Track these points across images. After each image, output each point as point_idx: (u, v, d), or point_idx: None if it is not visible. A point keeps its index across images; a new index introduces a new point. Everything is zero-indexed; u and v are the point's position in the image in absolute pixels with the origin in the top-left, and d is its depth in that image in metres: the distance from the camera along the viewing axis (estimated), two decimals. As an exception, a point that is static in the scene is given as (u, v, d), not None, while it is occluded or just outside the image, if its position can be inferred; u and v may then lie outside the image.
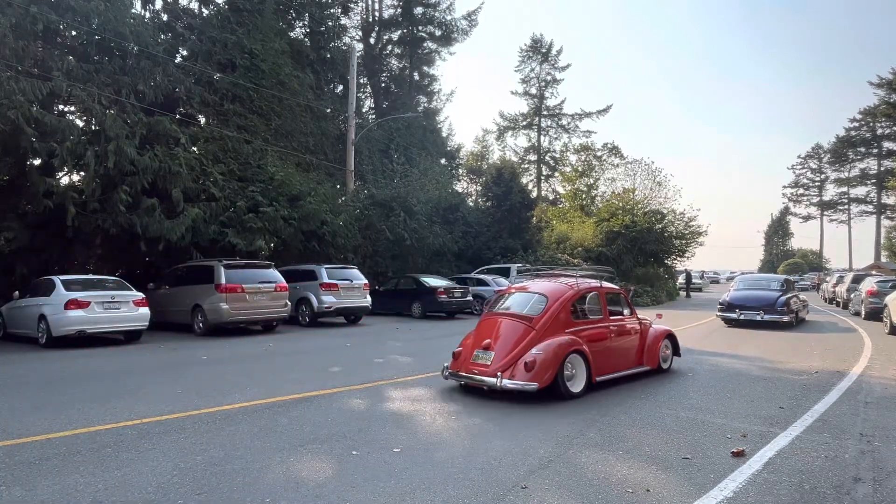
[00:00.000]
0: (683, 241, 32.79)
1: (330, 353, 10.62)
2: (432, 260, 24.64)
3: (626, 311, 7.88)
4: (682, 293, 34.93)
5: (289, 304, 14.15)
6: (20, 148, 12.87)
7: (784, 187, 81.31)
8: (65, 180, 15.14)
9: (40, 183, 13.09)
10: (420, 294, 18.03)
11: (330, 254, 19.24)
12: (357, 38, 32.69)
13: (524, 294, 7.38)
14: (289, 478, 3.96)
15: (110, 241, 15.56)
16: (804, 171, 76.25)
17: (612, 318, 7.47)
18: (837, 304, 24.95)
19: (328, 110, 25.80)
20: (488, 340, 6.70)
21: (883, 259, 50.41)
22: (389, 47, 35.17)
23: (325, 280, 15.44)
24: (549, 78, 46.72)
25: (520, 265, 22.35)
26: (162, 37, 18.49)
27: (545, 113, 47.10)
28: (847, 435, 5.08)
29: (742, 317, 15.25)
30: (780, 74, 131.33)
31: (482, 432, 5.13)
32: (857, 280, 21.26)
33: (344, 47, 27.62)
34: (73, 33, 15.42)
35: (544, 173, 47.58)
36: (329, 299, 15.34)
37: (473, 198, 35.25)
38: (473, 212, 28.71)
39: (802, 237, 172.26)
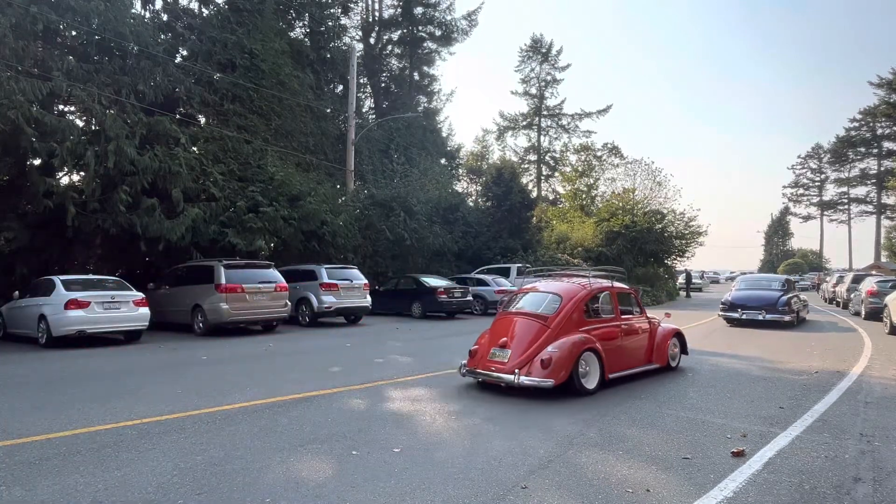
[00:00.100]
0: (683, 241, 32.78)
1: (330, 353, 10.62)
2: (432, 260, 24.63)
3: (636, 311, 8.00)
4: (682, 293, 34.93)
5: (289, 304, 14.14)
6: (20, 148, 12.87)
7: (784, 187, 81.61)
8: (65, 180, 15.14)
9: (40, 183, 13.09)
10: (420, 294, 18.03)
11: (330, 254, 19.24)
12: (357, 38, 32.72)
13: (538, 294, 7.48)
14: (289, 478, 3.96)
15: (110, 241, 15.57)
16: (804, 171, 76.45)
17: (623, 317, 7.59)
18: (837, 304, 24.95)
19: (328, 110, 25.79)
20: (505, 339, 6.80)
21: (883, 259, 50.41)
22: (389, 47, 35.18)
23: (325, 280, 15.45)
24: (549, 78, 46.75)
25: (520, 265, 22.36)
26: (162, 37, 18.49)
27: (545, 113, 47.09)
28: (847, 435, 5.08)
29: (744, 316, 15.31)
30: (780, 74, 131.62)
31: (482, 432, 5.13)
32: (857, 280, 21.28)
33: (344, 47, 27.61)
34: (73, 33, 15.42)
35: (544, 173, 47.57)
36: (329, 299, 15.34)
37: (473, 198, 35.23)
38: (473, 212, 28.69)
39: (802, 237, 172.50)
